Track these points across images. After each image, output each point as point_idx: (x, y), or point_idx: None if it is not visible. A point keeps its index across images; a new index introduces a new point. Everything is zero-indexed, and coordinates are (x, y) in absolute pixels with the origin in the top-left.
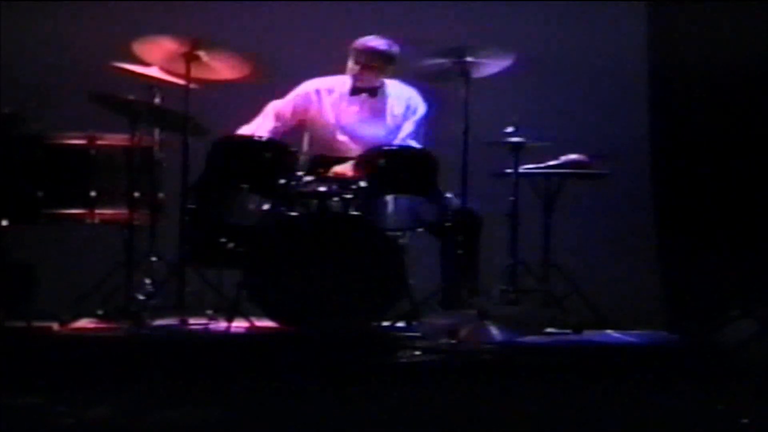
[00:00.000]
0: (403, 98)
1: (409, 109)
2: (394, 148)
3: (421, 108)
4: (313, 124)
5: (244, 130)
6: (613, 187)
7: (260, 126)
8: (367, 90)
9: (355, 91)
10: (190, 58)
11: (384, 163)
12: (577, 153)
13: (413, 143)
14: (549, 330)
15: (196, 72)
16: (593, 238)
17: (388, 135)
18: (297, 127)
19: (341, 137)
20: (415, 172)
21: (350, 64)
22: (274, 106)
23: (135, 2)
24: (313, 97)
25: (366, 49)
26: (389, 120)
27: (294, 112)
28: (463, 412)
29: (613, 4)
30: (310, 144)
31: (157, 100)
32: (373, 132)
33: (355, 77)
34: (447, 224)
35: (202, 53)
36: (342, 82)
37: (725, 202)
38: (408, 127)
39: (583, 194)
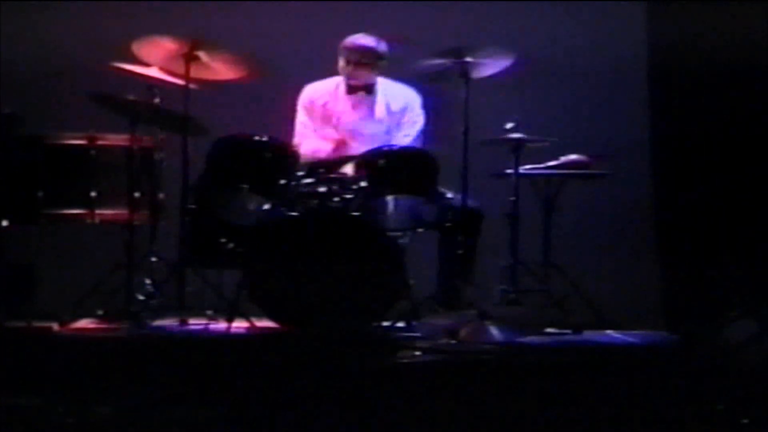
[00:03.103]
0: (399, 96)
1: (406, 108)
2: (395, 148)
3: (418, 107)
4: (315, 125)
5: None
6: (613, 187)
7: (318, 147)
8: (362, 88)
9: (350, 90)
10: (189, 58)
11: (384, 164)
12: (577, 153)
13: (412, 142)
14: (549, 330)
15: (196, 72)
16: (593, 238)
17: (386, 133)
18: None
19: (340, 137)
20: (416, 172)
21: (341, 63)
22: (305, 131)
23: (135, 2)
24: (315, 101)
25: (355, 47)
26: (386, 118)
27: (310, 120)
28: (463, 412)
29: (613, 4)
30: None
31: (156, 100)
32: (371, 130)
33: (348, 76)
34: (447, 224)
35: (201, 53)
36: (337, 83)
37: (725, 201)
38: (406, 126)
39: (583, 194)
